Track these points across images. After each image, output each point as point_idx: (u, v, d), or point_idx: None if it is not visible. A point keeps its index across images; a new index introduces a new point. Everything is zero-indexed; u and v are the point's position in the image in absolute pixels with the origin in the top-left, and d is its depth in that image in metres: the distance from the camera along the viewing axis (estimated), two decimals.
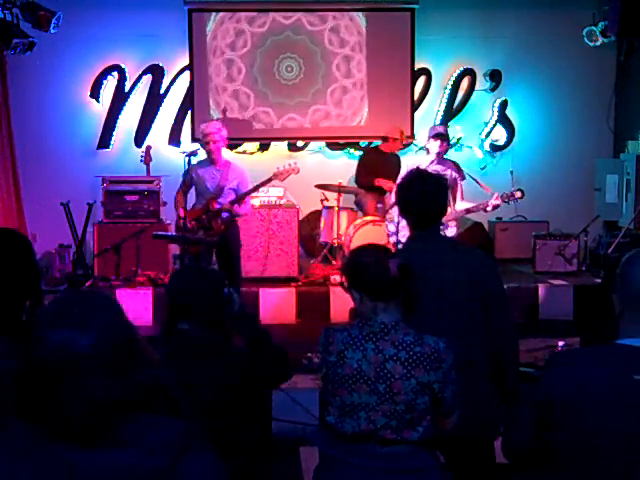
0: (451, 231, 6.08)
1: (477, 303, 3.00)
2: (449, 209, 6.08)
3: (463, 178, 6.26)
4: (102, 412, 1.49)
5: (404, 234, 6.18)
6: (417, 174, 3.20)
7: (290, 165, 6.50)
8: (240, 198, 6.24)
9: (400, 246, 5.96)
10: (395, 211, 6.28)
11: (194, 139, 8.33)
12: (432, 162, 6.05)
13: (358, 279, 2.58)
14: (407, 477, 2.47)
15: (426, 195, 3.07)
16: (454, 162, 6.37)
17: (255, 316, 3.13)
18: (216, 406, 2.55)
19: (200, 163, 6.40)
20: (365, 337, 2.51)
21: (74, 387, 1.48)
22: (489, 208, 6.11)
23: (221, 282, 2.84)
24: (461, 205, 6.16)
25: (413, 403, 2.45)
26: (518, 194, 6.13)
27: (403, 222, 6.13)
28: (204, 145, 6.22)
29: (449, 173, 6.06)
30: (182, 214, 6.22)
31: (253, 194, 6.54)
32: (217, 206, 6.20)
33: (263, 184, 6.41)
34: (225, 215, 6.20)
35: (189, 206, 6.39)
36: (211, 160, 6.26)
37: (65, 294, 1.65)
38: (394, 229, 6.25)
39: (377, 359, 2.47)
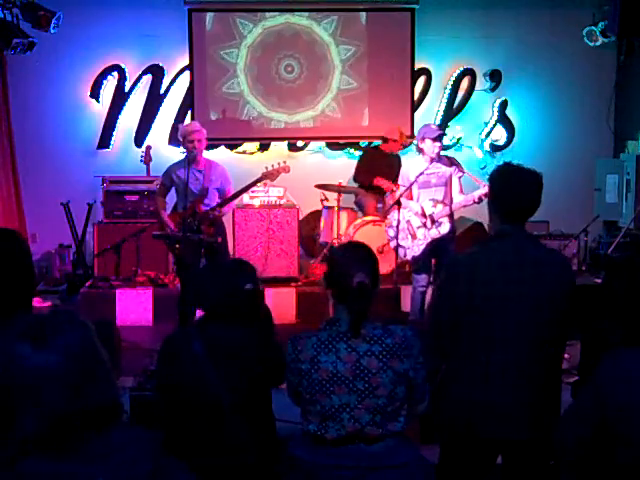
0: (445, 227, 6.02)
1: (559, 302, 2.91)
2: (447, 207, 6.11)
3: (462, 172, 6.10)
4: (57, 427, 1.52)
5: (402, 236, 6.18)
6: (513, 169, 3.12)
7: (280, 164, 6.46)
8: (230, 199, 6.19)
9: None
10: (394, 216, 6.25)
11: None
12: (433, 161, 6.02)
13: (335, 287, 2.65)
14: (393, 472, 2.48)
15: (524, 189, 3.08)
16: (449, 157, 6.25)
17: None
18: (250, 400, 2.70)
19: (178, 164, 6.27)
20: (335, 338, 2.52)
21: (29, 402, 1.52)
22: (476, 199, 5.85)
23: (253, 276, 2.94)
24: (458, 198, 6.06)
25: (393, 394, 2.48)
26: None
27: (402, 225, 6.14)
28: (188, 145, 6.05)
29: (444, 170, 6.04)
30: (172, 226, 6.14)
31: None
32: (204, 208, 6.09)
33: (253, 184, 6.37)
34: (211, 217, 6.13)
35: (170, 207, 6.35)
36: (192, 161, 6.07)
37: (38, 315, 1.69)
38: (394, 234, 6.21)
39: (351, 357, 2.49)
